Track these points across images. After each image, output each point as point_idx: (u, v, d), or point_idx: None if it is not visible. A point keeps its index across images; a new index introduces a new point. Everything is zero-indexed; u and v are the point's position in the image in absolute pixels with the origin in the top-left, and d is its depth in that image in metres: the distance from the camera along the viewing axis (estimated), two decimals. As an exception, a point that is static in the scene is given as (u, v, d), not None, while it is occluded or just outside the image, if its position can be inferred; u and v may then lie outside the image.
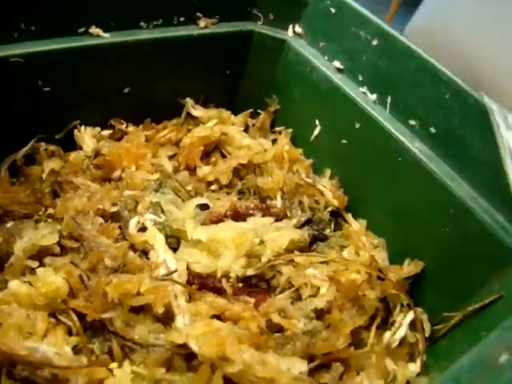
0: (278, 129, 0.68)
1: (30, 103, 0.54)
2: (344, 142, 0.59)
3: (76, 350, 0.43)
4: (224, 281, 0.48)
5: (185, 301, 0.46)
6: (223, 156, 0.64)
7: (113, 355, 0.44)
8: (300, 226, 0.57)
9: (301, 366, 0.42)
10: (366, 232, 0.58)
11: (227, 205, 0.55)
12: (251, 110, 0.68)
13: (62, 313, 0.45)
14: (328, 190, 0.59)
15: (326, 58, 0.60)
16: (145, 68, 0.59)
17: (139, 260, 0.48)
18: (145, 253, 0.51)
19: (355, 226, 0.58)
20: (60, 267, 0.46)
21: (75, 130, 0.59)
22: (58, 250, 0.49)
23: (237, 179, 0.61)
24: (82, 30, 0.54)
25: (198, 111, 0.64)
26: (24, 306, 0.44)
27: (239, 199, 0.58)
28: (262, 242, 0.52)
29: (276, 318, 0.46)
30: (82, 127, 0.59)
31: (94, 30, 0.55)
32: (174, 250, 0.51)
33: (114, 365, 0.42)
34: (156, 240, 0.50)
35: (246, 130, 0.68)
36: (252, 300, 0.48)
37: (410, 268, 0.53)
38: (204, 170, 0.60)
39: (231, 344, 0.41)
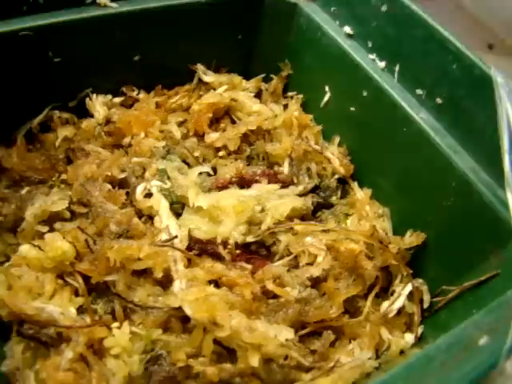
0: (290, 94, 0.67)
1: (42, 73, 0.56)
2: (352, 109, 0.58)
3: (81, 310, 0.45)
4: (221, 247, 0.49)
5: (183, 266, 0.47)
6: (233, 122, 0.64)
7: (115, 316, 0.46)
8: (306, 193, 0.57)
9: (288, 334, 0.43)
10: (371, 201, 0.57)
11: (233, 171, 0.56)
12: (264, 75, 0.67)
13: (68, 275, 0.47)
14: (335, 157, 0.59)
15: (338, 23, 0.59)
16: (155, 36, 0.59)
17: (142, 226, 0.50)
18: (151, 218, 0.52)
19: (360, 194, 0.58)
20: (68, 232, 0.48)
21: (87, 99, 0.61)
22: (68, 215, 0.52)
23: (246, 145, 0.61)
24: (89, 0, 0.55)
25: (209, 77, 0.64)
26: (34, 269, 0.46)
27: (248, 165, 0.59)
28: (263, 210, 0.52)
29: (270, 286, 0.47)
30: (94, 95, 0.61)
31: (101, 0, 0.55)
32: (179, 215, 0.52)
33: (115, 324, 0.44)
34: (161, 206, 0.52)
35: (259, 94, 0.67)
36: (249, 266, 0.49)
37: (411, 239, 0.52)
38: (212, 137, 0.60)
39: (221, 310, 0.43)
